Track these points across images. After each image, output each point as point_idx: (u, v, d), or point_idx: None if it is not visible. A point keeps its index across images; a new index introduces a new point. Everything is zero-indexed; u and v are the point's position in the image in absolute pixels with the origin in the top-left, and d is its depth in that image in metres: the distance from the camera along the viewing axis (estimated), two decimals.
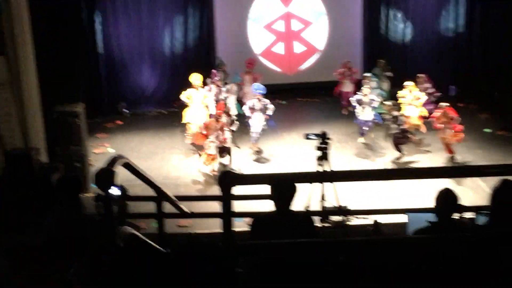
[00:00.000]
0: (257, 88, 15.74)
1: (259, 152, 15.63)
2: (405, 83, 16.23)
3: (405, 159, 15.08)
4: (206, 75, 18.82)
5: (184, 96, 16.35)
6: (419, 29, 20.57)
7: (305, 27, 20.59)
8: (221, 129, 14.41)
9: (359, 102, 15.90)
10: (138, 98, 20.12)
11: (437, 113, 15.17)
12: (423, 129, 16.01)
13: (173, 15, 20.00)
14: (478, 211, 6.74)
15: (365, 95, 15.81)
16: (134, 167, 6.55)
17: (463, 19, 20.32)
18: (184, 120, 16.36)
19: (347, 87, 18.39)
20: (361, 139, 16.07)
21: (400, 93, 16.12)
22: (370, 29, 20.76)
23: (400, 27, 20.73)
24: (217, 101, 16.32)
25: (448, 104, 15.37)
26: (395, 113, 15.12)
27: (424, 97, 16.16)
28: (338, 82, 18.49)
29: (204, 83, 16.65)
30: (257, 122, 15.46)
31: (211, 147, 14.33)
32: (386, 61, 18.71)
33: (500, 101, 17.34)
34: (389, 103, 15.65)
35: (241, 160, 15.21)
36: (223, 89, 17.00)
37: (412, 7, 20.47)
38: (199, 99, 16.18)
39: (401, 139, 15.03)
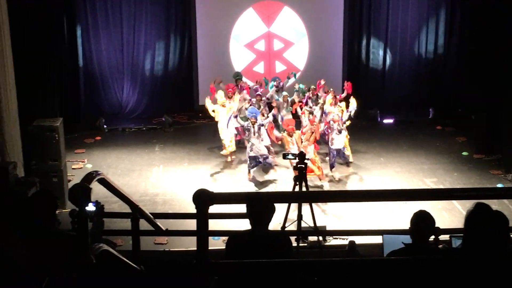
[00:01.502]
0: (252, 111, 15.17)
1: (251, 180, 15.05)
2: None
3: (388, 179, 15.15)
4: (189, 92, 18.88)
5: (210, 109, 16.33)
6: (398, 54, 20.77)
7: (287, 47, 20.69)
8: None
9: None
10: (117, 114, 20.07)
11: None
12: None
13: (155, 31, 20.03)
14: (453, 234, 6.79)
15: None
16: (110, 184, 6.49)
17: (442, 42, 20.55)
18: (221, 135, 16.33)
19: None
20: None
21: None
22: (350, 51, 20.92)
23: (379, 53, 20.93)
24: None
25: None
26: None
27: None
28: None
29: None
30: (257, 146, 14.82)
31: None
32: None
33: (477, 124, 17.49)
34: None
35: (220, 180, 15.20)
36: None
37: (391, 33, 20.65)
38: (224, 115, 16.17)
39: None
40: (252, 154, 14.71)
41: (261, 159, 14.77)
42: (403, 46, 20.67)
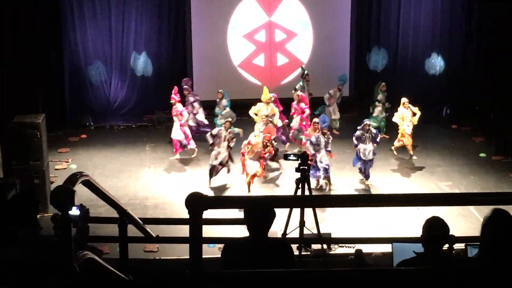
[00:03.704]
0: (323, 120, 15.18)
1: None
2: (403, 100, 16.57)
3: (397, 182, 15.14)
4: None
5: (252, 111, 16.55)
6: (411, 46, 20.74)
7: (289, 38, 20.67)
8: (260, 157, 14.56)
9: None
10: (105, 110, 20.06)
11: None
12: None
13: (146, 20, 20.01)
14: (469, 242, 6.78)
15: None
16: (96, 186, 6.49)
17: (458, 35, 20.51)
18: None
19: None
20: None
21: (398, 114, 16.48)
22: (359, 43, 20.91)
23: (390, 45, 20.88)
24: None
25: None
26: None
27: None
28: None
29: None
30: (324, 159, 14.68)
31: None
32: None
33: (496, 123, 17.49)
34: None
35: (217, 181, 15.21)
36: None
37: (403, 24, 20.63)
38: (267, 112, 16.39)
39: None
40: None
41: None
42: (416, 38, 20.64)
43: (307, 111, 16.83)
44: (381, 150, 16.48)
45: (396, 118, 16.69)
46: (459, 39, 20.54)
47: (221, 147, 14.86)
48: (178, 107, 16.52)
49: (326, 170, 14.58)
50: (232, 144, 14.96)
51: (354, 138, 15.11)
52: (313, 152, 14.52)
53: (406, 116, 16.43)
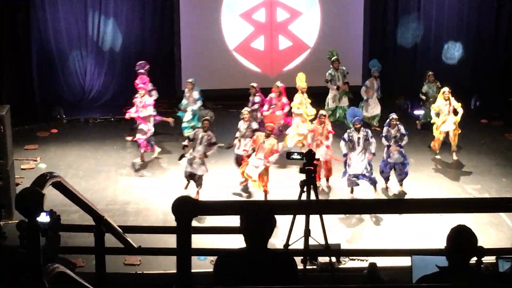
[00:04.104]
0: (353, 113, 15.22)
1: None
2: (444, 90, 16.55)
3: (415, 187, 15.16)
4: (170, 73, 18.87)
5: (295, 107, 16.77)
6: (433, 28, 20.77)
7: (293, 18, 20.68)
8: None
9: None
10: (79, 101, 20.08)
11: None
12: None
13: None
14: (500, 254, 6.79)
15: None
16: (68, 188, 6.50)
17: (489, 16, 20.56)
18: None
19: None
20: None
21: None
22: (374, 24, 20.94)
23: (410, 27, 20.90)
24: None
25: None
26: None
27: None
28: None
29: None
30: (357, 162, 14.63)
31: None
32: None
33: None
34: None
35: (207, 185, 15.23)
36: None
37: (425, 1, 20.66)
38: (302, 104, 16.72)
39: None
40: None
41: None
42: (440, 19, 20.67)
43: (287, 108, 16.85)
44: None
45: (432, 111, 16.63)
46: (487, 25, 20.60)
47: (195, 151, 14.48)
48: (147, 99, 16.50)
49: (364, 175, 14.56)
50: (210, 153, 14.60)
51: (383, 138, 15.11)
52: (345, 152, 14.61)
53: (443, 109, 16.34)
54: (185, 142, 14.70)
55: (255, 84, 17.23)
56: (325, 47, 20.40)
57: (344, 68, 18.14)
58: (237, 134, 15.53)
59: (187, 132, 16.45)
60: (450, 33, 20.71)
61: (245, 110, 15.68)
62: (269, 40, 20.72)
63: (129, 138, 17.25)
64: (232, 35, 20.58)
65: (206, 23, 20.38)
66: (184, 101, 17.51)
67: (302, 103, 16.73)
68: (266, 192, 14.40)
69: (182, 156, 14.66)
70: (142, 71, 17.64)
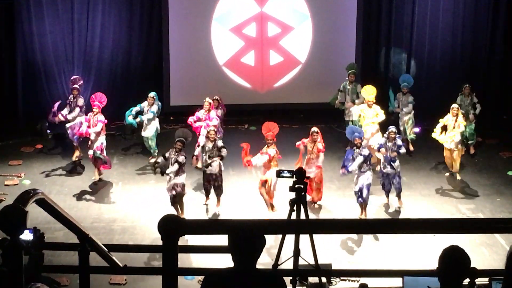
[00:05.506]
0: (354, 131, 15.04)
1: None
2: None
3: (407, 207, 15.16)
4: (158, 88, 18.83)
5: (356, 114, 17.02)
6: (427, 44, 20.82)
7: (284, 33, 20.71)
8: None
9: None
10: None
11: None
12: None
13: (115, 10, 20.04)
14: (494, 276, 6.80)
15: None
16: (52, 206, 6.48)
17: (483, 32, 20.67)
18: None
19: None
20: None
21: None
22: (366, 39, 20.98)
23: (403, 41, 20.95)
24: None
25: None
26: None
27: None
28: None
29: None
30: (362, 179, 14.58)
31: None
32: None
33: None
34: None
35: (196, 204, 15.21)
36: None
37: (418, 16, 20.70)
38: (371, 116, 16.75)
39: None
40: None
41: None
42: (433, 35, 20.71)
43: (214, 121, 16.23)
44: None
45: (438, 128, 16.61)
46: (482, 45, 20.73)
47: (169, 171, 14.08)
48: (100, 117, 16.37)
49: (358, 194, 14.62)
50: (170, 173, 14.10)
51: (377, 147, 15.25)
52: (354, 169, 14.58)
53: (450, 125, 16.38)
54: (159, 159, 14.40)
55: (217, 97, 17.15)
56: (316, 62, 20.48)
57: (359, 85, 18.04)
58: (199, 151, 15.37)
59: (129, 117, 16.85)
60: (444, 65, 20.79)
61: (211, 130, 15.05)
62: (259, 55, 20.73)
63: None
64: (222, 50, 20.59)
65: (196, 37, 20.39)
66: (140, 117, 17.13)
67: (360, 116, 16.85)
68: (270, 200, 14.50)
69: (163, 172, 14.42)
70: (76, 86, 17.31)
